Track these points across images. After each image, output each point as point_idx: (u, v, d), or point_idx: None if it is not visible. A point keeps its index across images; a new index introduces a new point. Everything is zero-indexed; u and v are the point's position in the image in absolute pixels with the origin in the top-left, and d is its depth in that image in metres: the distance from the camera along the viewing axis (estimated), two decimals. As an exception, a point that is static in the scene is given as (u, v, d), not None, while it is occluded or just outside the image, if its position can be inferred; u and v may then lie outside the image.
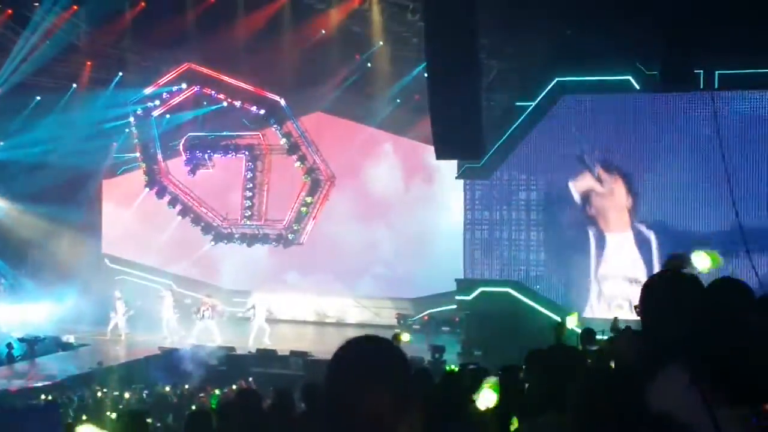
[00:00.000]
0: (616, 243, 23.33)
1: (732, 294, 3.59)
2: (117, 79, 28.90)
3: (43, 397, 18.33)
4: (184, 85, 28.85)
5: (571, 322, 8.64)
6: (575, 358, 4.93)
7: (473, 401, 5.22)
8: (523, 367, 7.61)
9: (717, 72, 21.73)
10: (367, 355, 2.53)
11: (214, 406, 7.54)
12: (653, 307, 3.51)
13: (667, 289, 3.52)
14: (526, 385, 6.37)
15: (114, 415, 14.86)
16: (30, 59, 26.25)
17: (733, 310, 3.40)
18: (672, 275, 3.69)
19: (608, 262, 23.39)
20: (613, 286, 23.22)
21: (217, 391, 18.80)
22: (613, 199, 23.37)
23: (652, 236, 22.94)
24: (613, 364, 4.92)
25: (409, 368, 2.56)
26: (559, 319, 9.50)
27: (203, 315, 25.61)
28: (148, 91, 29.20)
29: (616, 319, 17.59)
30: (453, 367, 17.64)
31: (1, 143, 30.05)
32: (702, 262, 4.02)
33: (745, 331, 3.34)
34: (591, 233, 23.56)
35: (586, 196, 23.58)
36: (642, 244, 23.04)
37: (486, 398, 4.73)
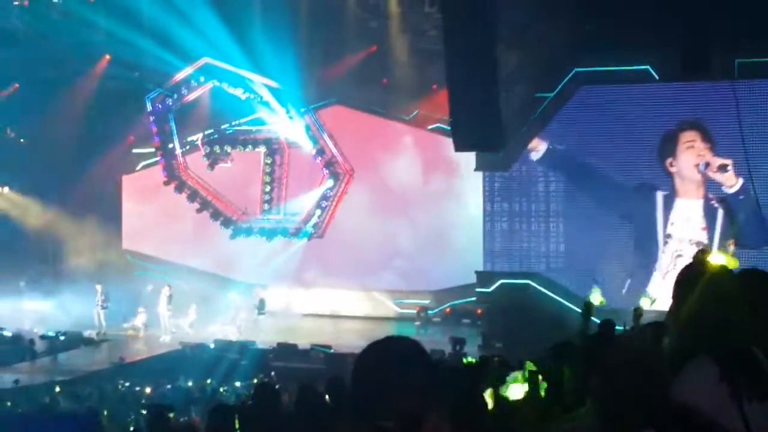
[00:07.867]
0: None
1: (764, 287, 3.55)
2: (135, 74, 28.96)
3: (58, 389, 18.37)
4: (202, 80, 28.87)
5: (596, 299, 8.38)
6: (600, 351, 4.88)
7: (500, 394, 5.17)
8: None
9: (737, 61, 21.61)
10: (390, 357, 2.52)
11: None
12: (687, 298, 3.47)
13: (701, 281, 3.48)
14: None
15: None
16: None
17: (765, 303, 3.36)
18: (707, 268, 3.65)
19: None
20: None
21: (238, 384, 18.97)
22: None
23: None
24: (635, 357, 4.86)
25: (433, 367, 2.55)
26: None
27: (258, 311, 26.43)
28: (166, 86, 29.24)
29: (639, 308, 17.34)
30: (471, 359, 17.59)
31: (22, 140, 30.30)
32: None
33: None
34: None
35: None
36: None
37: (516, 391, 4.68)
